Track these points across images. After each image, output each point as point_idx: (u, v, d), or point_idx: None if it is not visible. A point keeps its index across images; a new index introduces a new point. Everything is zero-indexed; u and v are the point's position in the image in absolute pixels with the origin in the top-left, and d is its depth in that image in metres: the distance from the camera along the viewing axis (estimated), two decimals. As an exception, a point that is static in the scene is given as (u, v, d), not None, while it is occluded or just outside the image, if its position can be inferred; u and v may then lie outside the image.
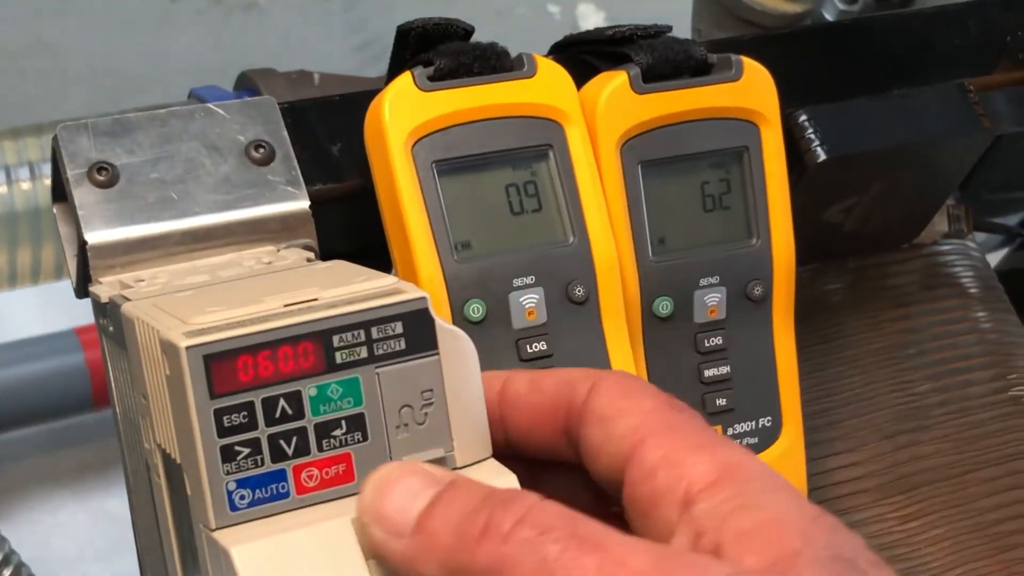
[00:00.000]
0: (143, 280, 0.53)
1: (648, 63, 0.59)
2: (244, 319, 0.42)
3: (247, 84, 0.75)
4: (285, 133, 0.58)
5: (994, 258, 0.92)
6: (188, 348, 0.40)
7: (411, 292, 0.43)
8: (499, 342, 0.57)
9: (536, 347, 0.57)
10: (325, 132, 0.60)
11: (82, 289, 0.55)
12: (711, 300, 0.61)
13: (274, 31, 2.00)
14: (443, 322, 0.43)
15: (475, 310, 0.56)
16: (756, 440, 0.62)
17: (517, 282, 0.57)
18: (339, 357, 0.42)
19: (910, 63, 0.67)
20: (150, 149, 0.57)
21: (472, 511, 0.38)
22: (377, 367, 0.42)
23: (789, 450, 0.62)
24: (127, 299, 0.49)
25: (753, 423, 0.62)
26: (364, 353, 0.42)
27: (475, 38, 0.60)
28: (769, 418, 0.62)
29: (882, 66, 0.67)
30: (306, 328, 0.42)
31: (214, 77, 1.96)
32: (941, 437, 0.72)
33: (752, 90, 0.61)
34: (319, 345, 0.42)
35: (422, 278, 0.56)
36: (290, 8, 2.03)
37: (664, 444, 0.40)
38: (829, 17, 1.19)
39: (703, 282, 0.61)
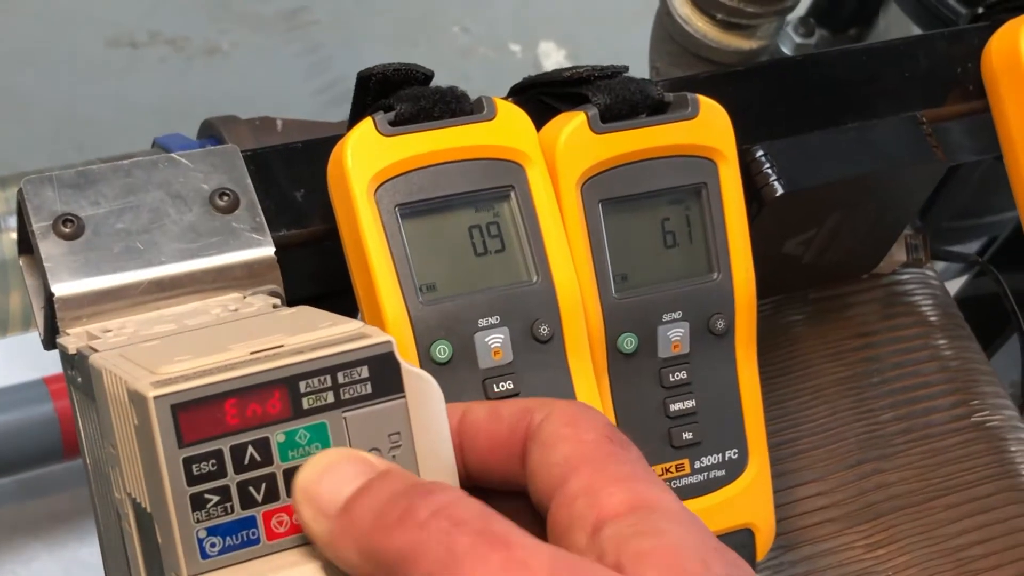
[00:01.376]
0: (110, 330, 0.53)
1: (605, 103, 0.60)
2: (211, 368, 0.42)
3: (210, 132, 0.76)
4: (249, 181, 0.59)
5: (953, 286, 0.93)
6: (156, 398, 0.41)
7: (376, 336, 0.44)
8: (466, 382, 0.57)
9: (503, 386, 0.58)
10: (288, 178, 0.60)
11: (50, 340, 0.55)
12: (674, 335, 0.62)
13: (237, 76, 2.00)
14: (409, 365, 0.44)
15: (441, 351, 0.57)
16: (723, 472, 0.63)
17: (482, 322, 0.58)
18: (306, 403, 0.42)
19: (863, 96, 0.68)
20: (115, 200, 0.57)
21: (394, 497, 0.39)
22: (344, 411, 0.43)
23: (756, 481, 0.63)
24: (95, 350, 0.49)
25: (720, 455, 0.63)
26: (331, 398, 0.43)
27: (438, 78, 0.61)
28: (735, 450, 0.63)
29: (836, 100, 0.68)
30: (273, 375, 0.42)
31: (179, 123, 1.96)
32: (905, 464, 0.73)
33: (709, 127, 0.62)
34: (286, 391, 0.42)
35: (388, 321, 0.56)
36: (253, 52, 2.04)
37: (589, 475, 0.41)
38: (786, 50, 1.20)
39: (666, 317, 0.61)
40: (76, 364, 0.51)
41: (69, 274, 0.55)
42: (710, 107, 0.62)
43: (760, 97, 0.67)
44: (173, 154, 0.59)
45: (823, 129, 0.66)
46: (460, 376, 0.57)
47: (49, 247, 0.55)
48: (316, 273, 0.61)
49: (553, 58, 2.15)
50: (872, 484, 0.72)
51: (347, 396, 0.43)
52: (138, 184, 0.58)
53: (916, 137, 0.67)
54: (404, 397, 0.44)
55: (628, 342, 0.61)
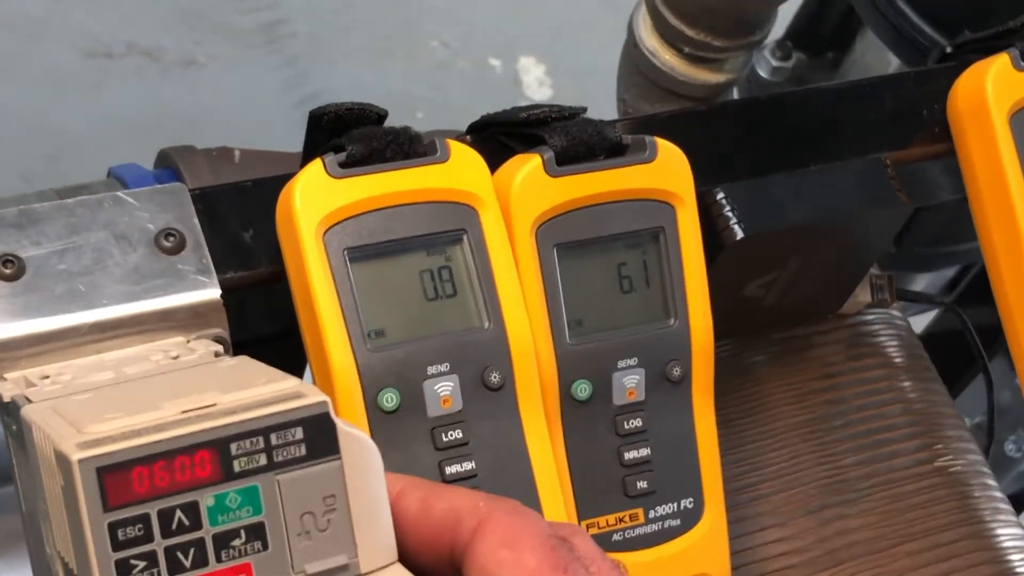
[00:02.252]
0: (48, 376, 0.52)
1: (562, 145, 0.59)
2: (139, 428, 0.41)
3: (166, 162, 0.74)
4: (196, 221, 0.57)
5: (921, 320, 0.92)
6: (81, 460, 0.40)
7: (311, 396, 0.43)
8: (414, 431, 0.56)
9: (452, 435, 0.57)
10: (237, 218, 0.59)
11: (-14, 384, 0.54)
12: (630, 382, 0.60)
13: (213, 87, 1.99)
14: (345, 425, 0.43)
15: (389, 399, 0.56)
16: (678, 522, 0.62)
17: (431, 369, 0.56)
18: (237, 465, 0.41)
19: (826, 138, 0.67)
20: (57, 240, 0.56)
21: None
22: (277, 474, 0.42)
23: (712, 531, 0.62)
24: (28, 400, 0.48)
25: (675, 505, 0.62)
26: (263, 460, 0.42)
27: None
28: (691, 499, 0.62)
29: (798, 142, 0.67)
30: (203, 436, 0.41)
31: (153, 134, 1.95)
32: (868, 510, 0.72)
33: (667, 171, 0.61)
34: (216, 453, 0.41)
35: (334, 368, 0.55)
36: (229, 64, 2.03)
37: None
38: (762, 72, 1.20)
39: (621, 363, 0.60)
40: (11, 412, 0.50)
41: (8, 316, 0.54)
42: (668, 150, 0.61)
43: (722, 138, 0.66)
44: (119, 193, 0.58)
45: (786, 171, 0.65)
46: (408, 425, 0.56)
47: (-12, 289, 0.54)
48: (266, 315, 0.60)
49: (532, 73, 2.14)
50: (833, 530, 0.71)
51: (280, 458, 0.42)
52: (82, 224, 0.56)
53: (880, 180, 0.66)
54: (340, 459, 0.43)
55: (582, 389, 0.60)
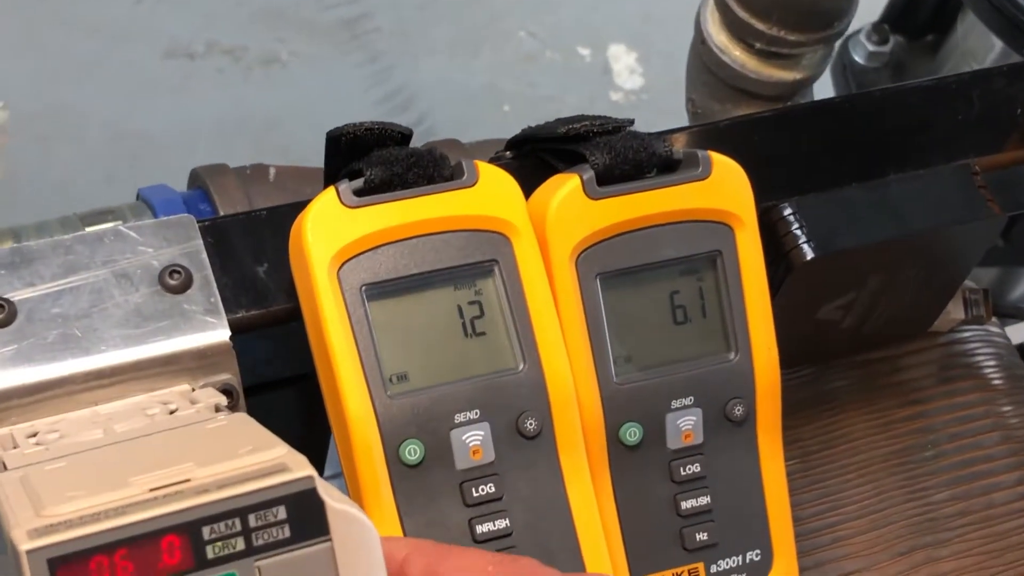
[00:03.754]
0: (36, 434, 0.48)
1: (604, 163, 0.53)
2: (101, 510, 0.37)
3: (197, 182, 0.70)
4: (204, 256, 0.53)
5: (1021, 332, 0.85)
6: (30, 552, 0.35)
7: (297, 470, 0.38)
8: (440, 487, 0.51)
9: (483, 490, 0.51)
10: (250, 251, 0.54)
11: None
12: (685, 424, 0.55)
13: (296, 86, 1.96)
14: (336, 502, 0.38)
15: (412, 451, 0.50)
16: (744, 576, 0.56)
17: (459, 417, 0.51)
18: (211, 551, 0.37)
19: (907, 144, 0.60)
20: (52, 280, 0.52)
21: None
22: (257, 559, 0.38)
23: (782, 585, 0.56)
24: (4, 467, 0.44)
25: (740, 558, 0.56)
26: (240, 545, 0.37)
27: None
28: (758, 551, 0.56)
29: (876, 149, 0.60)
30: (171, 520, 0.37)
31: (236, 135, 1.93)
32: (963, 552, 0.65)
33: (723, 188, 0.54)
34: (187, 538, 0.37)
35: (350, 417, 0.50)
36: (312, 62, 1.99)
37: None
38: (858, 58, 1.13)
39: (676, 404, 0.55)
40: (-8, 475, 0.45)
41: (-3, 365, 0.49)
42: (725, 165, 0.55)
43: (789, 146, 0.60)
44: (121, 227, 0.53)
45: (860, 183, 0.59)
46: (433, 480, 0.51)
47: (-24, 336, 0.50)
48: (281, 356, 0.55)
49: (623, 61, 2.08)
50: (924, 574, 0.64)
51: (260, 542, 0.38)
52: (80, 262, 0.52)
53: (968, 190, 0.60)
54: (330, 540, 0.38)
55: (632, 433, 0.54)
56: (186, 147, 1.85)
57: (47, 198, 1.79)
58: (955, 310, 0.68)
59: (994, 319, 0.71)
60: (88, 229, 0.55)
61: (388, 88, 1.96)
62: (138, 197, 0.70)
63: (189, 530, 0.37)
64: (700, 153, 0.54)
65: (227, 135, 1.89)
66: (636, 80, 2.07)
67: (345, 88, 1.97)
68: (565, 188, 0.53)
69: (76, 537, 0.36)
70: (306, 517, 0.38)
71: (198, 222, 0.54)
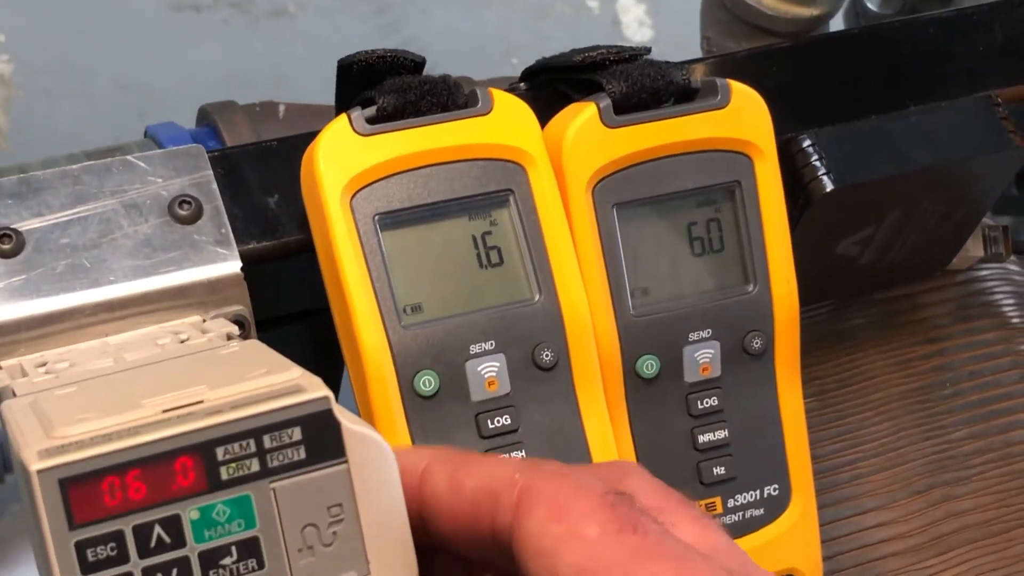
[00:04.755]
0: (46, 363, 0.47)
1: (621, 92, 0.53)
2: (114, 431, 0.36)
3: (206, 119, 0.69)
4: (215, 186, 0.52)
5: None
6: (40, 471, 0.35)
7: (312, 391, 0.37)
8: (455, 418, 0.50)
9: (499, 422, 0.51)
10: (261, 182, 0.53)
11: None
12: (703, 356, 0.54)
13: (303, 38, 1.95)
14: (352, 423, 0.37)
15: (427, 383, 0.50)
16: (762, 511, 0.55)
17: (475, 348, 0.50)
18: (225, 472, 0.36)
19: (928, 76, 0.59)
20: (60, 211, 0.51)
21: None
22: (272, 481, 0.37)
23: (800, 521, 0.56)
24: (14, 393, 0.43)
25: (757, 492, 0.55)
26: (255, 466, 0.37)
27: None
28: (776, 486, 0.55)
29: (896, 80, 0.59)
30: (183, 440, 0.36)
31: (243, 88, 1.91)
32: (981, 489, 0.65)
33: (742, 117, 0.54)
34: (200, 459, 0.36)
35: (364, 348, 0.49)
36: (320, 13, 1.98)
37: None
38: (870, 4, 1.11)
39: (693, 336, 0.54)
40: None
41: (5, 296, 0.49)
42: (744, 94, 0.54)
43: (808, 78, 0.59)
44: (129, 157, 0.53)
45: (880, 114, 0.58)
46: (448, 411, 0.50)
47: (-16, 266, 0.49)
48: (292, 289, 0.55)
49: (632, 13, 2.06)
50: (943, 512, 0.64)
51: (275, 463, 0.37)
52: (88, 192, 0.51)
53: (990, 122, 0.59)
54: (346, 462, 0.38)
55: (649, 366, 0.53)
56: (193, 99, 1.84)
57: (54, 152, 1.78)
58: (974, 247, 0.68)
59: (1013, 257, 0.70)
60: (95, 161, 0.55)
61: (397, 40, 1.95)
62: (146, 135, 0.70)
63: (203, 451, 0.36)
64: (719, 81, 0.53)
65: (234, 88, 1.88)
66: (645, 32, 2.06)
67: (353, 40, 1.96)
68: (582, 116, 0.52)
69: (88, 457, 0.35)
70: (322, 438, 0.37)
71: (208, 153, 0.53)
